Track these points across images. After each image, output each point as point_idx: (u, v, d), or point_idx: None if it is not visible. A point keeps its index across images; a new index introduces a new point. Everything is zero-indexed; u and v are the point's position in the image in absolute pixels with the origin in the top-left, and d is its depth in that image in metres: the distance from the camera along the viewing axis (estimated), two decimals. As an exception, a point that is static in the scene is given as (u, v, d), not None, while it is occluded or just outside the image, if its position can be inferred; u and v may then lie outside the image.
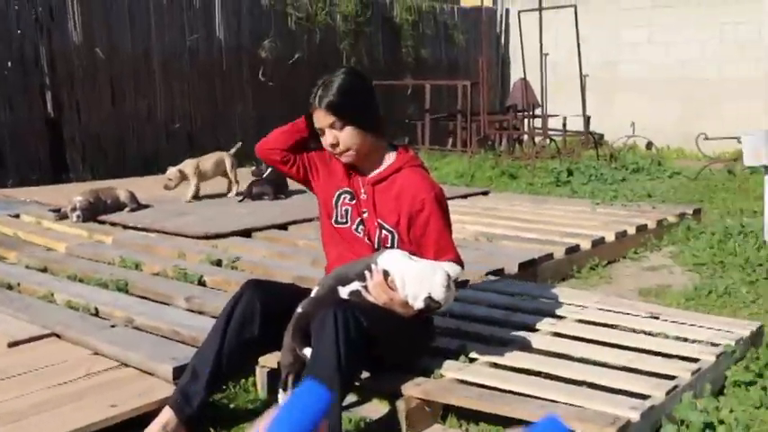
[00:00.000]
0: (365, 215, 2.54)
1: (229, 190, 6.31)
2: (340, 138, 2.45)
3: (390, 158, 2.58)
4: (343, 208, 2.57)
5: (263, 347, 2.55)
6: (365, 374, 2.54)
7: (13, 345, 2.93)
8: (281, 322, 2.42)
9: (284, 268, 3.98)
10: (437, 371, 2.60)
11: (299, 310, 2.39)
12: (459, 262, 2.51)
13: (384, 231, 2.51)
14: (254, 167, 6.39)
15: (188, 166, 6.02)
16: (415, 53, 11.73)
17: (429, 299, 2.29)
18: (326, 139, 2.47)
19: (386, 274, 2.34)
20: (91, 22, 8.01)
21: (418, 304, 2.31)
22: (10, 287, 3.75)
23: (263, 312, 2.40)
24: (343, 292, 2.39)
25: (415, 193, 2.48)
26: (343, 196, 2.57)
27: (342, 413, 2.29)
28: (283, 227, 5.06)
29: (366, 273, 2.36)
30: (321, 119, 2.46)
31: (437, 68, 12.11)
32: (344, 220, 2.57)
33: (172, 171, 5.95)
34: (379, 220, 2.52)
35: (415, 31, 11.74)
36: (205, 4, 9.04)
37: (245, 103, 9.51)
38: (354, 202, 2.56)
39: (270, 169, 6.15)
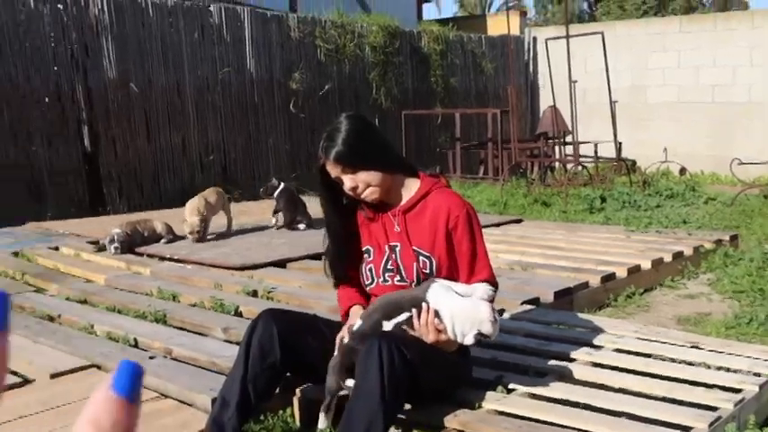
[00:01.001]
0: (398, 249, 2.56)
1: (229, 228, 5.97)
2: (357, 181, 2.50)
3: (415, 185, 2.62)
4: (367, 268, 2.61)
5: (287, 372, 2.59)
6: (406, 406, 2.54)
7: (54, 376, 2.97)
8: (299, 349, 2.51)
9: (320, 298, 4.00)
10: (475, 402, 2.59)
11: (346, 342, 2.44)
12: (494, 281, 2.54)
13: (422, 258, 2.53)
14: (261, 188, 6.28)
15: (202, 206, 5.61)
16: (444, 82, 11.81)
17: (480, 335, 2.32)
18: (346, 186, 2.52)
19: (435, 312, 2.36)
20: (125, 58, 8.18)
21: (468, 340, 2.34)
22: (51, 319, 3.81)
23: (281, 338, 2.46)
24: (388, 325, 2.41)
25: (448, 212, 2.52)
26: (364, 257, 2.62)
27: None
28: (317, 257, 5.07)
29: (414, 310, 2.38)
30: (333, 169, 2.52)
31: (466, 97, 12.18)
32: (369, 281, 2.61)
33: (193, 222, 5.51)
34: (414, 248, 2.54)
35: (444, 60, 11.83)
36: (236, 38, 9.19)
37: (278, 134, 9.62)
38: (373, 257, 2.59)
39: (282, 187, 6.09)
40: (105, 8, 8.01)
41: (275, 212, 6.11)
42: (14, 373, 3.03)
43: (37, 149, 7.58)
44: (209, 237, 5.68)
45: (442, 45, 11.78)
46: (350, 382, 2.34)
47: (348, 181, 2.51)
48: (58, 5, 7.73)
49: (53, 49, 7.69)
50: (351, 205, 2.66)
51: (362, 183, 2.51)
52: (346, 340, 2.47)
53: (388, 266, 2.57)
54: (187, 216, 5.53)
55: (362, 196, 2.54)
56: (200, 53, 8.84)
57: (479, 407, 2.58)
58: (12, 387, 2.89)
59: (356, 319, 2.52)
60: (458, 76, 12.09)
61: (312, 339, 2.57)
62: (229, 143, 9.13)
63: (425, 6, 15.92)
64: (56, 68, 7.72)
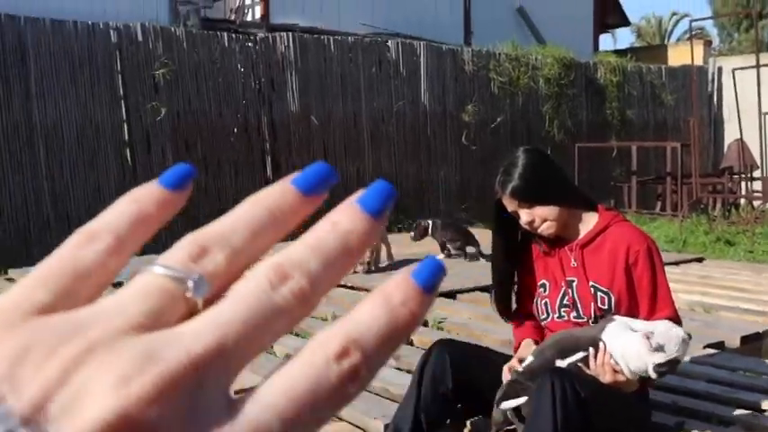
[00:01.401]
0: (575, 284, 2.52)
1: (389, 257, 5.89)
2: (534, 215, 2.48)
3: (593, 219, 2.56)
4: (542, 303, 2.58)
5: (459, 403, 2.60)
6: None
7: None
8: (471, 380, 2.50)
9: (488, 331, 3.98)
10: (654, 447, 2.49)
11: (512, 376, 2.41)
12: (677, 319, 2.43)
13: (600, 294, 2.48)
14: (412, 233, 6.10)
15: None
16: (620, 114, 11.49)
17: (657, 366, 2.19)
18: (522, 220, 2.51)
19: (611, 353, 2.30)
20: (308, 92, 8.60)
21: (652, 374, 2.22)
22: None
23: (454, 368, 2.47)
24: (562, 363, 2.37)
25: (628, 247, 2.45)
26: (539, 291, 2.59)
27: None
28: (486, 289, 5.06)
29: (591, 349, 2.32)
30: (509, 204, 2.51)
31: (644, 129, 11.78)
32: (544, 315, 2.58)
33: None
34: (592, 283, 2.49)
35: (620, 91, 11.52)
36: (411, 71, 9.42)
37: (449, 166, 9.73)
38: (548, 291, 2.56)
39: (432, 223, 6.05)
40: (291, 45, 8.47)
41: (442, 248, 6.15)
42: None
43: (225, 178, 8.10)
44: (381, 265, 5.79)
45: (619, 76, 11.48)
46: (506, 404, 2.34)
47: (524, 215, 2.50)
48: (248, 43, 8.27)
49: (243, 84, 8.23)
50: (524, 240, 2.65)
51: (539, 217, 2.49)
52: (512, 372, 2.45)
53: (564, 302, 2.53)
54: None
55: (539, 231, 2.52)
56: (376, 86, 9.13)
57: (658, 453, 2.47)
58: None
59: (526, 353, 2.50)
60: (635, 108, 11.72)
61: (484, 371, 2.57)
62: (401, 174, 9.33)
63: (601, 37, 15.62)
64: (244, 102, 8.25)
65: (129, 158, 7.67)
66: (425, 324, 4.26)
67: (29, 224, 7.19)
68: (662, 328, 2.25)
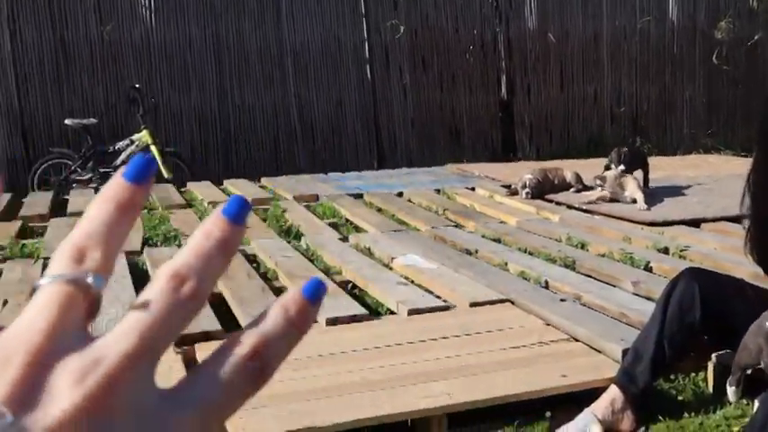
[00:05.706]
0: None
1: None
2: None
3: None
4: None
5: (705, 335, 2.48)
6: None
7: (474, 305, 3.23)
8: (722, 312, 2.35)
9: (739, 263, 3.71)
10: None
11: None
12: None
13: None
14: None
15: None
16: None
17: None
18: None
19: None
20: (546, 7, 8.33)
21: None
22: (469, 252, 4.13)
23: (703, 298, 2.34)
24: None
25: None
26: None
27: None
28: (736, 219, 4.73)
29: None
30: None
31: None
32: None
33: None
34: None
35: None
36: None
37: (695, 87, 9.08)
38: None
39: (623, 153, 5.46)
40: (531, -41, 8.22)
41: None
42: (438, 297, 3.35)
43: (459, 96, 8.14)
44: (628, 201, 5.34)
45: None
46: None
47: None
48: (488, -42, 8.12)
49: (480, 0, 8.13)
50: None
51: None
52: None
53: None
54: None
55: None
56: (620, 1, 8.64)
57: None
58: (436, 310, 3.21)
59: None
60: None
61: (738, 304, 2.42)
62: (642, 95, 8.86)
63: None
64: (481, 19, 8.16)
65: (368, 75, 7.93)
66: (666, 251, 4.08)
67: (278, 135, 7.72)
68: None
